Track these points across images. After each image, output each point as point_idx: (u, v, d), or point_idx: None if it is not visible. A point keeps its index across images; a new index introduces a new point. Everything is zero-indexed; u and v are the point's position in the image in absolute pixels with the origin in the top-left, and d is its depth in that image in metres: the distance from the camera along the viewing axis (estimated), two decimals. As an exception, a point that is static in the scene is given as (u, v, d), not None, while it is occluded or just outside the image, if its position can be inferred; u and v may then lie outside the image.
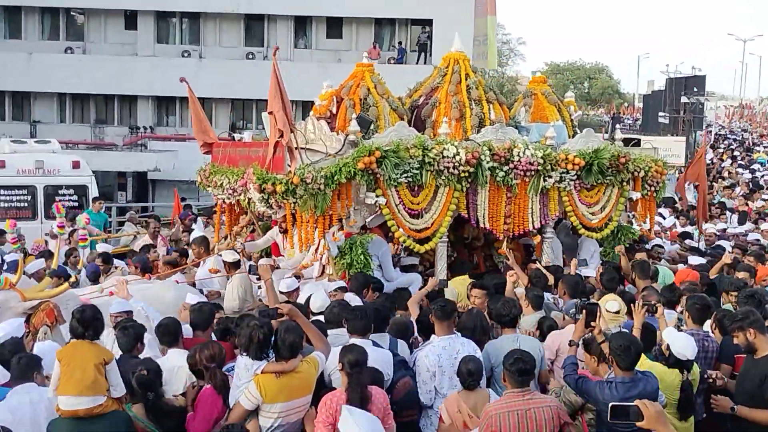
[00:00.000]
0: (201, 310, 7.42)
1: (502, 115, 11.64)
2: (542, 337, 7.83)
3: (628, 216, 12.39)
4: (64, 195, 18.97)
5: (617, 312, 7.70)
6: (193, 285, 10.30)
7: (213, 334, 7.29)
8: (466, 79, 11.69)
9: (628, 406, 4.20)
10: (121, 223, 21.12)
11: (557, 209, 11.32)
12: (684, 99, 39.38)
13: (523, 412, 5.93)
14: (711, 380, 6.84)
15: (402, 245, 10.63)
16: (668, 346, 6.68)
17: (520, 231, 11.06)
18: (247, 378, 5.96)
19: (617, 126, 30.03)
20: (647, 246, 12.63)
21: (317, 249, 10.18)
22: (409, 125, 11.10)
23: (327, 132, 10.53)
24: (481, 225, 10.79)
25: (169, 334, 6.88)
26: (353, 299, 8.38)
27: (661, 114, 41.43)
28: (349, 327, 6.90)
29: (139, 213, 21.24)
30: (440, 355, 6.90)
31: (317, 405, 5.99)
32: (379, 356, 6.74)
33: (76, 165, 19.30)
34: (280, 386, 5.94)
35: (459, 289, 9.55)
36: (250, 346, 5.97)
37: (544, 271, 10.18)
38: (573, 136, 11.90)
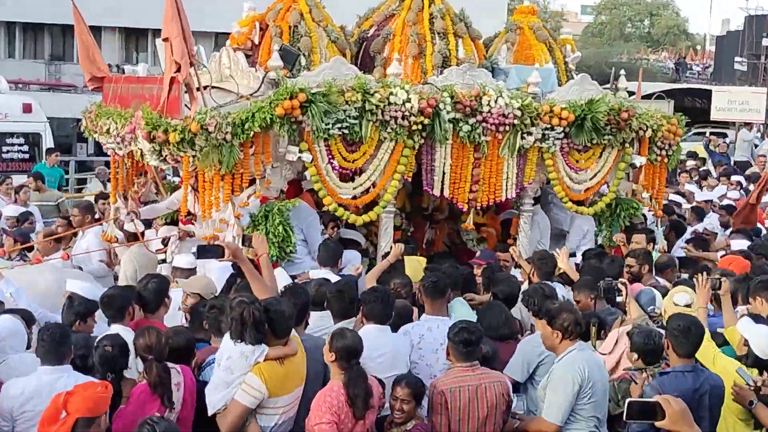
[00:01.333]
0: (146, 288, 7.91)
1: (474, 54, 11.88)
2: None
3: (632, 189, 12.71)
4: (12, 145, 19.13)
5: (688, 306, 8.07)
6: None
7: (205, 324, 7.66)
8: (429, 6, 11.90)
9: (650, 403, 4.42)
10: (81, 181, 21.20)
11: (534, 175, 11.48)
12: (766, 42, 39.52)
13: (474, 388, 6.69)
14: (757, 387, 6.90)
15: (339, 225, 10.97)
16: (746, 341, 7.03)
17: (489, 201, 11.30)
18: (244, 369, 6.26)
19: (684, 73, 30.06)
20: (688, 234, 13.17)
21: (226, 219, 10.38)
22: (355, 63, 11.39)
23: (245, 67, 10.73)
24: (437, 192, 11.03)
25: (112, 307, 7.47)
26: (325, 274, 8.91)
27: (737, 59, 41.65)
28: (367, 311, 7.43)
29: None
30: (423, 335, 7.66)
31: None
32: (400, 345, 7.44)
33: (27, 109, 19.64)
34: (284, 375, 6.37)
35: (411, 273, 9.74)
36: (244, 330, 6.24)
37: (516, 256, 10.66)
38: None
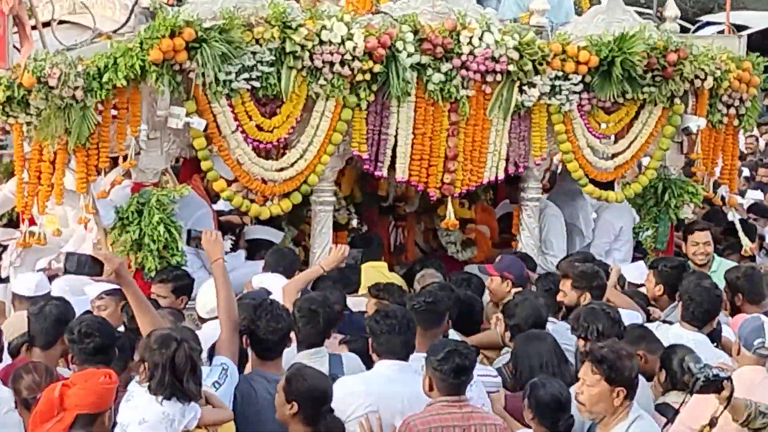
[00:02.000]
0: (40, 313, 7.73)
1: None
2: None
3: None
4: None
5: None
6: None
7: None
8: None
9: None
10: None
11: (545, 146, 10.78)
12: None
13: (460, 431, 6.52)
14: None
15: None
16: None
17: (472, 186, 10.69)
18: None
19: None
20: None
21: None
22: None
23: (108, -8, 10.10)
24: (395, 173, 10.37)
25: None
26: (274, 280, 8.92)
27: None
28: (380, 343, 7.19)
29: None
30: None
31: None
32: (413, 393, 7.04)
33: None
34: None
35: (366, 282, 9.57)
36: (173, 380, 6.08)
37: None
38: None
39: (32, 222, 10.07)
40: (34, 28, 9.16)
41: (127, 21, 9.32)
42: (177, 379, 6.07)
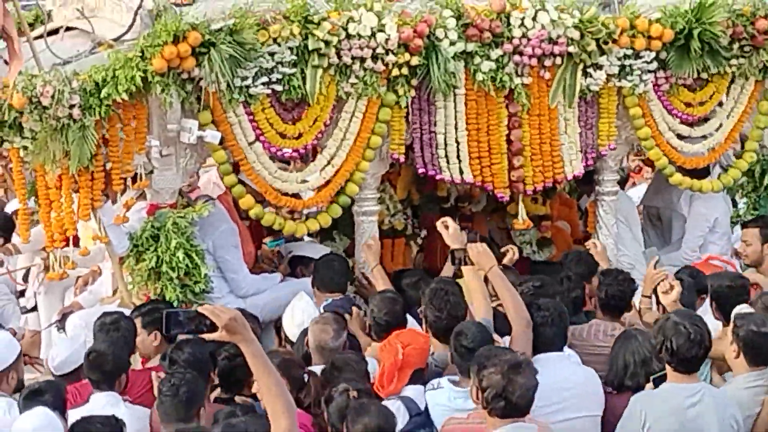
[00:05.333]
0: None
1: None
2: None
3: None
4: None
5: None
6: None
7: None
8: None
9: None
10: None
11: (613, 134, 10.21)
12: None
13: None
14: None
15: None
16: None
17: (547, 183, 10.13)
18: None
19: None
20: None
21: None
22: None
23: (116, -5, 9.84)
24: (449, 175, 9.76)
25: None
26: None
27: None
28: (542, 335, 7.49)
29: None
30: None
31: None
32: (591, 378, 7.54)
33: None
34: None
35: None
36: None
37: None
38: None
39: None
40: (24, 36, 8.88)
41: (131, 26, 8.93)
42: None
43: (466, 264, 8.47)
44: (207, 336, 5.80)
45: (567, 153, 10.01)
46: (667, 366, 6.99)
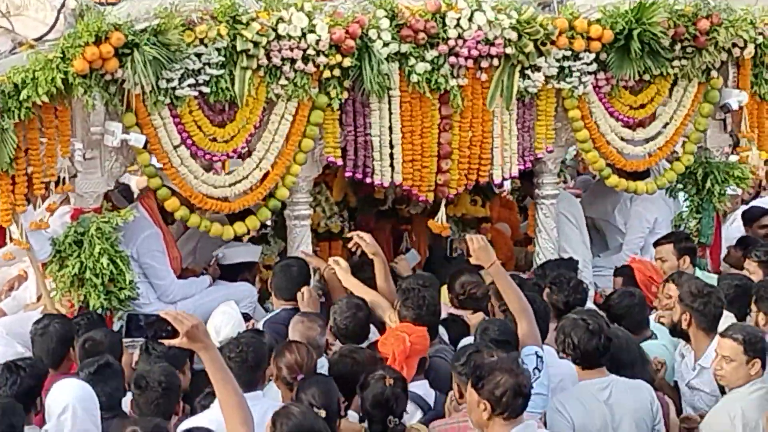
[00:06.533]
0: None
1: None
2: None
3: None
4: None
5: None
6: None
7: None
8: None
9: None
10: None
11: (551, 137, 10.24)
12: None
13: None
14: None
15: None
16: None
17: (469, 184, 10.12)
18: None
19: None
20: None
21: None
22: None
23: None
24: (379, 180, 9.73)
25: None
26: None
27: None
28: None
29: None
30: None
31: None
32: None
33: None
34: None
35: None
36: None
37: None
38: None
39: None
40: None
41: (53, 25, 8.69)
42: None
43: (466, 257, 8.58)
44: (167, 342, 5.92)
45: (500, 156, 9.97)
46: (575, 366, 7.16)
